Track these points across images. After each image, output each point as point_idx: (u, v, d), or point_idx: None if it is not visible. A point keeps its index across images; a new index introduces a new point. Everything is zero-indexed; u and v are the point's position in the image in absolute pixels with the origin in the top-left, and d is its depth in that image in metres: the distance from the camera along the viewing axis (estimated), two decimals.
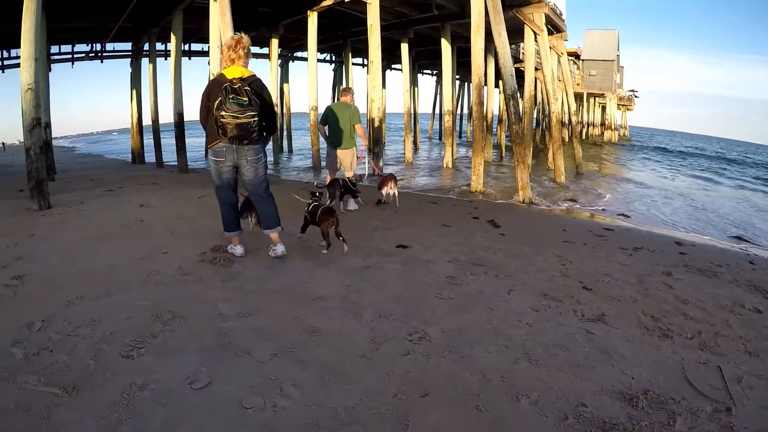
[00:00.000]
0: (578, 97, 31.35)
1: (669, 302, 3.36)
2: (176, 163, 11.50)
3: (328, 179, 6.31)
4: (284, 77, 15.98)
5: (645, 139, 57.43)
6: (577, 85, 31.26)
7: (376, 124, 9.68)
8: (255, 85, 3.48)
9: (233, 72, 3.43)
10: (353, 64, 16.35)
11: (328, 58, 18.68)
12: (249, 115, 3.38)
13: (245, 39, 3.52)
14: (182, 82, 10.86)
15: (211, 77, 9.49)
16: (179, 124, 10.88)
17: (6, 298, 2.96)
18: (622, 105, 46.52)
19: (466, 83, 28.23)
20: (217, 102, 3.36)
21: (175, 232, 4.65)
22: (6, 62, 14.01)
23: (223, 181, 3.65)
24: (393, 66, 23.23)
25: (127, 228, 4.82)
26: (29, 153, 6.03)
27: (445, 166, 12.74)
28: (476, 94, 8.49)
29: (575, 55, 35.01)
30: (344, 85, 19.57)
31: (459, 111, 28.63)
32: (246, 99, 3.35)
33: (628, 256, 4.64)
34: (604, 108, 41.10)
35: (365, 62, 19.96)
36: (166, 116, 12.19)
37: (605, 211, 8.16)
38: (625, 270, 4.10)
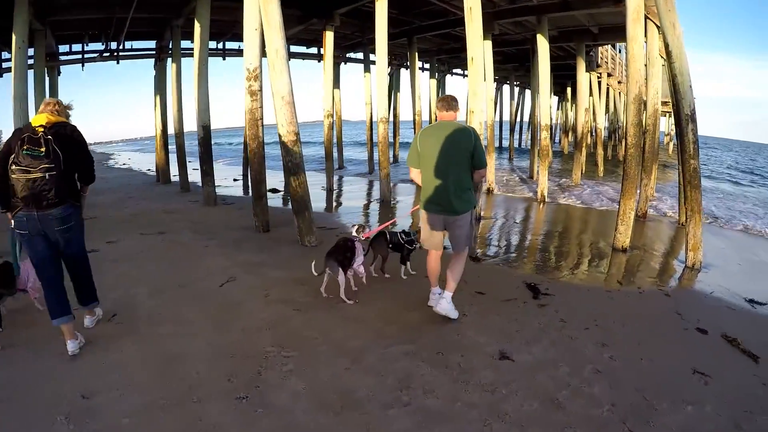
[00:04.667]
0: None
1: None
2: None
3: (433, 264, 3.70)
4: (335, 82, 13.32)
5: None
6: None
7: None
8: (62, 131, 2.75)
9: (39, 119, 2.74)
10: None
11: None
12: (42, 168, 2.64)
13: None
14: (209, 86, 8.45)
15: (247, 82, 6.68)
16: (204, 141, 8.30)
17: None
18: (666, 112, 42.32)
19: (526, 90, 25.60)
20: (12, 157, 2.65)
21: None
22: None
23: (39, 256, 2.80)
24: (453, 71, 20.59)
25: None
26: None
27: (539, 196, 9.55)
28: (634, 111, 5.73)
29: None
30: (436, 95, 16.39)
31: (518, 120, 25.92)
32: (43, 150, 2.65)
33: None
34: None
35: (424, 66, 17.41)
36: (192, 126, 9.62)
37: None
38: None
